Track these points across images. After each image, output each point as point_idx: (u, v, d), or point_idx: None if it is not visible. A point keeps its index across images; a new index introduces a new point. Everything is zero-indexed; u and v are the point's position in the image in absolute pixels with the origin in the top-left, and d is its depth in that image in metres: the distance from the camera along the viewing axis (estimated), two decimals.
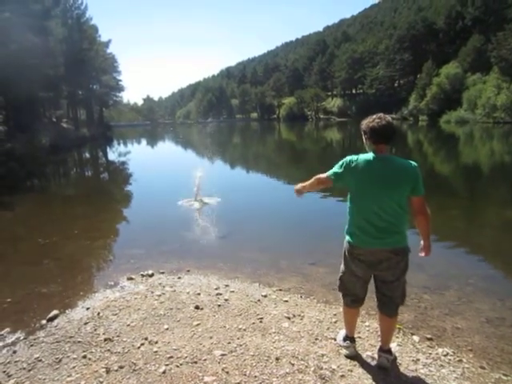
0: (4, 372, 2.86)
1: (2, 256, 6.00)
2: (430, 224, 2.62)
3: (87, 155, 29.26)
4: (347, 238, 2.70)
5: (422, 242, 2.71)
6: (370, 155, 2.55)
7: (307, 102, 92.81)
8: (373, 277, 2.73)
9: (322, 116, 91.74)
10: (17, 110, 21.50)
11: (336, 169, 2.66)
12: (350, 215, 2.68)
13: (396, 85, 79.88)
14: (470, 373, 2.82)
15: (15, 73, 19.29)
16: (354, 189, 2.59)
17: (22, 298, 4.35)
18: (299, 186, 3.08)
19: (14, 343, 3.31)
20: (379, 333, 2.99)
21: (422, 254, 2.72)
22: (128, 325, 3.51)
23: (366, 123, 2.60)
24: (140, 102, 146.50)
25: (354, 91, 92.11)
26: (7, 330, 3.53)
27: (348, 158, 2.60)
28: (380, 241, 2.55)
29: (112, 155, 28.14)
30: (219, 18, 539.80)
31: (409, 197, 2.55)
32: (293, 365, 2.83)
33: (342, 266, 2.80)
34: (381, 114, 2.60)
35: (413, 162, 2.56)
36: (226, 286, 4.46)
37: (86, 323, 3.57)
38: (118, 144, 40.58)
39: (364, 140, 2.66)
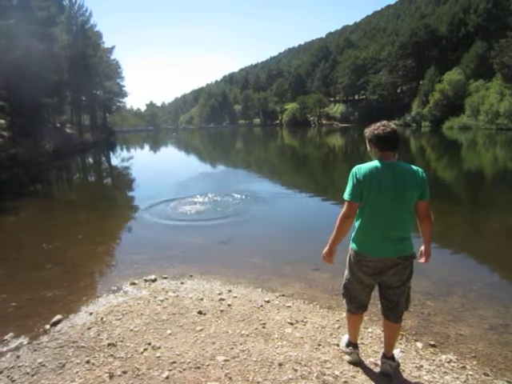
0: (8, 377, 2.87)
1: (6, 261, 6.03)
2: (432, 229, 2.64)
3: (91, 160, 29.37)
4: (354, 246, 2.66)
5: (422, 248, 2.72)
6: (377, 163, 2.53)
7: (310, 108, 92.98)
8: (378, 283, 2.72)
9: (324, 122, 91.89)
10: (21, 116, 21.62)
11: (351, 188, 2.52)
12: (358, 224, 2.62)
13: (399, 91, 79.96)
14: (473, 380, 2.81)
15: (20, 79, 19.46)
16: (365, 197, 2.51)
17: (26, 302, 4.36)
18: (325, 249, 2.71)
19: (17, 348, 3.32)
20: (382, 339, 2.98)
21: (422, 260, 2.72)
22: (131, 330, 3.51)
23: (370, 131, 2.61)
24: (143, 108, 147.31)
25: (356, 97, 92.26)
26: (11, 334, 3.54)
27: (354, 170, 2.54)
28: (391, 249, 2.54)
29: (115, 160, 28.23)
30: (222, 24, 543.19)
31: (415, 201, 2.55)
32: (296, 370, 2.83)
33: (347, 273, 2.78)
34: (385, 122, 2.60)
35: (419, 167, 2.57)
36: (229, 291, 4.46)
37: (89, 328, 3.58)
38: (121, 149, 40.72)
39: (368, 147, 2.66)
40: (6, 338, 3.48)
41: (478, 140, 34.34)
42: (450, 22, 69.50)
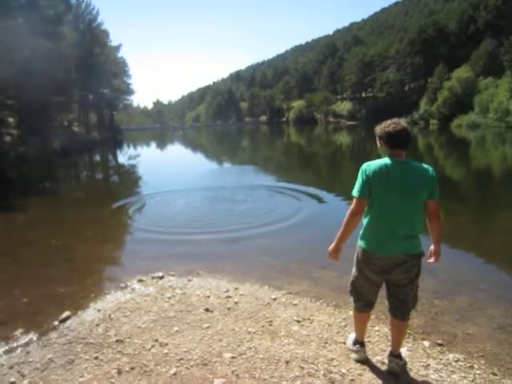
0: (18, 372, 2.91)
1: (15, 257, 6.10)
2: (442, 228, 2.62)
3: (98, 158, 29.57)
4: (362, 243, 2.66)
5: (431, 247, 2.71)
6: (387, 160, 2.52)
7: (316, 106, 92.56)
8: (385, 281, 2.72)
9: (331, 119, 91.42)
10: (29, 115, 21.81)
11: (360, 184, 2.52)
12: (367, 221, 2.62)
13: (406, 88, 79.26)
14: (481, 379, 2.80)
15: (28, 77, 19.60)
16: (373, 194, 2.51)
17: (35, 299, 4.41)
18: (332, 245, 2.72)
19: (27, 344, 3.36)
20: (389, 337, 2.98)
21: (432, 260, 2.71)
22: (139, 327, 3.54)
23: (381, 128, 2.60)
24: (150, 106, 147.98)
25: (363, 95, 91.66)
26: (20, 330, 3.59)
27: (364, 166, 2.54)
28: (398, 247, 2.54)
29: (122, 158, 28.42)
30: (228, 21, 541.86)
31: (424, 200, 2.54)
32: (302, 368, 2.84)
33: (355, 271, 2.78)
34: (396, 119, 2.59)
35: (429, 166, 2.56)
36: (236, 288, 4.47)
37: (97, 325, 3.61)
38: (128, 147, 40.96)
39: (379, 145, 2.65)
40: (16, 333, 3.53)
41: (487, 138, 33.99)
42: (458, 19, 68.72)
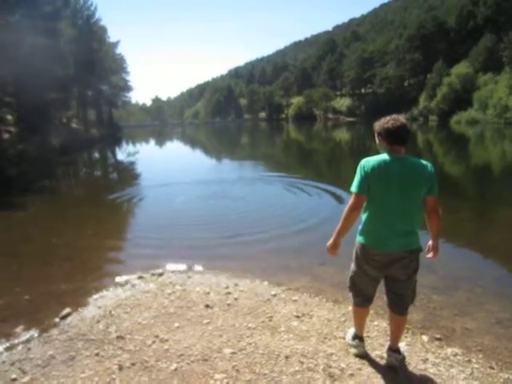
0: (19, 369, 2.93)
1: (15, 255, 6.10)
2: (441, 224, 2.64)
3: (97, 156, 29.53)
4: (361, 239, 2.67)
5: (430, 243, 2.72)
6: (385, 156, 2.53)
7: (316, 102, 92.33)
8: (384, 276, 2.73)
9: (330, 116, 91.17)
10: (28, 112, 21.69)
11: (359, 180, 2.53)
12: (365, 217, 2.63)
13: (406, 84, 79.17)
14: (479, 373, 2.82)
15: (26, 74, 19.50)
16: (372, 190, 2.52)
17: (36, 296, 4.42)
18: (330, 241, 2.71)
19: (28, 341, 3.38)
20: (388, 332, 3.00)
21: (430, 255, 2.72)
22: (139, 323, 3.56)
23: (380, 124, 2.60)
24: (149, 103, 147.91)
25: (363, 91, 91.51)
26: (22, 327, 3.61)
27: (363, 162, 2.54)
28: (397, 243, 2.55)
29: (121, 155, 28.38)
30: (227, 17, 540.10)
31: (423, 196, 2.55)
32: (302, 363, 2.86)
33: (354, 266, 2.79)
34: (395, 116, 2.59)
35: (428, 162, 2.57)
36: (236, 285, 4.49)
37: (98, 321, 3.63)
38: (127, 144, 40.90)
39: (378, 141, 2.66)
40: (17, 330, 3.55)
41: (486, 134, 33.96)
42: (458, 14, 68.46)
